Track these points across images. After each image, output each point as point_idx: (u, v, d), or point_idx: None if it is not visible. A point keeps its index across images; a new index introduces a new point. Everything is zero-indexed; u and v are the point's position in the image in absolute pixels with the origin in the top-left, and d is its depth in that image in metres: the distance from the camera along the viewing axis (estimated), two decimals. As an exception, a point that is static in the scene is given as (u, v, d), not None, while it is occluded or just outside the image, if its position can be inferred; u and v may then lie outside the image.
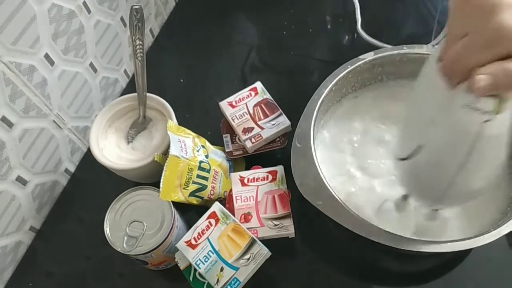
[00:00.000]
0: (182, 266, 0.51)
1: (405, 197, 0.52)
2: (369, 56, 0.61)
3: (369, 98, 0.65)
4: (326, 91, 0.59)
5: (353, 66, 0.61)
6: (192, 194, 0.56)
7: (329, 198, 0.50)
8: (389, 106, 0.63)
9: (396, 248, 0.46)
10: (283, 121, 0.61)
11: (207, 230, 0.51)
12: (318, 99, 0.59)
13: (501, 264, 0.54)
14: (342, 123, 0.63)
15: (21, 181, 0.59)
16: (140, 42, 0.60)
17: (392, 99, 0.63)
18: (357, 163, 0.60)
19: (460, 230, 0.52)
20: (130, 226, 0.51)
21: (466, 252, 0.54)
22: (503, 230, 0.46)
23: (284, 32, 0.82)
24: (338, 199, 0.50)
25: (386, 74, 0.64)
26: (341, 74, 0.60)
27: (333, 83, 0.60)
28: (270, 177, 0.57)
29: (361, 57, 0.61)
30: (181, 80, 0.78)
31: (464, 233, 0.51)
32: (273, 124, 0.61)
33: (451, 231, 0.52)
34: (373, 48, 0.64)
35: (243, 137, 0.60)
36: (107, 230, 0.52)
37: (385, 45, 0.69)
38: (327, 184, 0.52)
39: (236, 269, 0.48)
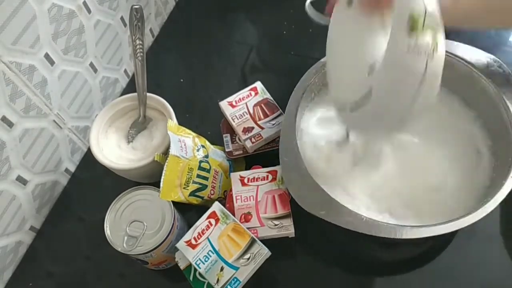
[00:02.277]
0: (182, 266, 0.51)
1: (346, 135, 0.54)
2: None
3: None
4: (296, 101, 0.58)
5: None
6: (192, 194, 0.56)
7: (327, 203, 0.49)
8: None
9: (394, 241, 0.46)
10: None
11: (207, 230, 0.51)
12: (292, 115, 0.57)
13: (484, 249, 0.55)
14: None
15: (21, 181, 0.59)
16: (140, 42, 0.60)
17: None
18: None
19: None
20: (130, 226, 0.51)
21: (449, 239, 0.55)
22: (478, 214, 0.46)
23: (284, 32, 0.82)
24: (339, 204, 0.49)
25: None
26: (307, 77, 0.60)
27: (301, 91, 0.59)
28: (270, 177, 0.57)
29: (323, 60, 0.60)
30: (181, 80, 0.78)
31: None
32: (273, 124, 0.61)
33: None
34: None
35: (243, 137, 0.60)
36: (107, 230, 0.52)
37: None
38: (326, 194, 0.50)
39: (236, 268, 0.48)
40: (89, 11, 0.65)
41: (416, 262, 0.56)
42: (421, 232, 0.46)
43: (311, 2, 0.73)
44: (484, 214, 0.46)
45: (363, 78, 0.42)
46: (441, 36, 0.36)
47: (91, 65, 0.68)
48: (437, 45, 0.36)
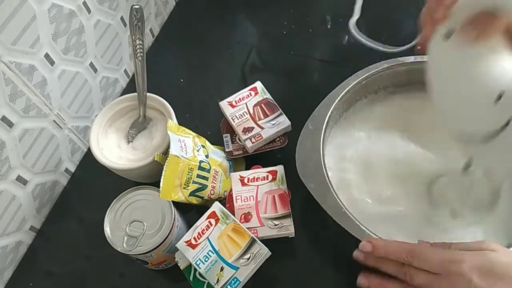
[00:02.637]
0: (182, 266, 0.51)
1: (467, 166, 0.51)
2: (409, 59, 0.60)
3: (396, 106, 0.63)
4: (355, 83, 0.59)
5: (390, 65, 0.60)
6: (192, 193, 0.56)
7: (322, 183, 0.52)
8: (416, 116, 0.61)
9: None
10: (283, 121, 0.61)
11: (207, 230, 0.51)
12: (345, 88, 0.59)
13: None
14: (360, 125, 0.63)
15: (21, 181, 0.59)
16: (140, 42, 0.60)
17: (419, 109, 0.61)
18: (364, 169, 0.59)
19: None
20: (130, 226, 0.51)
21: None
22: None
23: (284, 32, 0.82)
24: (330, 185, 0.51)
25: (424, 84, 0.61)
26: (374, 70, 0.60)
27: (364, 76, 0.60)
28: (270, 177, 0.57)
29: (400, 59, 0.61)
30: (181, 80, 0.78)
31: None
32: (273, 124, 0.61)
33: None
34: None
35: (243, 137, 0.60)
36: (107, 230, 0.52)
37: (376, 45, 0.68)
38: (324, 170, 0.52)
39: (236, 268, 0.48)
40: (89, 11, 0.65)
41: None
42: None
43: (354, 21, 0.73)
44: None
45: (494, 107, 0.40)
46: None
47: (91, 65, 0.68)
48: None
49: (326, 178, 0.52)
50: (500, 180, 0.53)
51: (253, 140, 0.60)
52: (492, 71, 0.40)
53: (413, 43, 0.64)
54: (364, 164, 0.59)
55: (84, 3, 0.63)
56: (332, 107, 0.58)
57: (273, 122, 0.61)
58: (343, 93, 0.59)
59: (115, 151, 0.62)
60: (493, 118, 0.42)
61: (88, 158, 0.68)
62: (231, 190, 0.57)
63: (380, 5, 0.80)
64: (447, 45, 0.42)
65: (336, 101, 0.58)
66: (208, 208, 0.53)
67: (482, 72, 0.40)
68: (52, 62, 0.60)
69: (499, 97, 0.40)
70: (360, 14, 0.74)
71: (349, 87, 0.59)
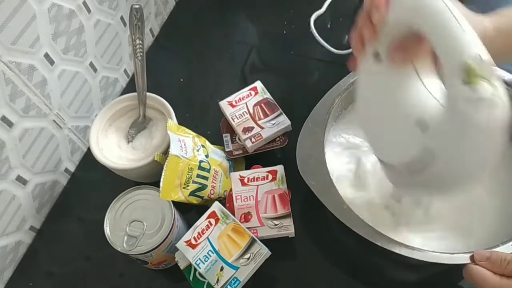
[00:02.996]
0: (182, 265, 0.51)
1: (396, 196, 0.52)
2: None
3: None
4: (354, 80, 0.59)
5: None
6: (192, 193, 0.56)
7: (323, 180, 0.52)
8: None
9: (390, 251, 0.47)
10: (283, 121, 0.61)
11: (207, 229, 0.51)
12: (344, 85, 0.59)
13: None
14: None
15: (21, 180, 0.59)
16: (140, 42, 0.60)
17: None
18: (365, 165, 0.59)
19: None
20: (130, 226, 0.51)
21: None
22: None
23: (284, 32, 0.82)
24: (331, 182, 0.52)
25: None
26: None
27: None
28: (270, 176, 0.57)
29: None
30: (181, 80, 0.78)
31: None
32: (273, 124, 0.61)
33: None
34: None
35: (243, 136, 0.60)
36: (107, 230, 0.52)
37: (331, 48, 0.71)
38: (325, 167, 0.53)
39: (236, 268, 0.48)
40: (89, 10, 0.65)
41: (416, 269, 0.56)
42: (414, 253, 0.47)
43: (314, 21, 0.75)
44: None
45: (414, 135, 0.39)
46: (500, 83, 0.33)
47: (91, 64, 0.68)
48: (499, 93, 0.32)
49: (327, 175, 0.52)
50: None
51: (253, 140, 0.60)
52: (413, 97, 0.39)
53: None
54: (364, 160, 0.59)
55: (84, 3, 0.63)
56: (331, 105, 0.58)
57: (273, 122, 0.61)
58: (342, 90, 0.59)
59: (115, 151, 0.62)
60: (411, 147, 0.39)
61: (88, 158, 0.68)
62: (231, 190, 0.57)
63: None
64: (374, 67, 0.41)
65: (336, 98, 0.58)
66: (208, 208, 0.53)
67: (403, 97, 0.39)
68: (52, 62, 0.60)
69: (421, 125, 0.38)
70: (325, 11, 0.77)
71: (348, 84, 0.59)
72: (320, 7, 0.83)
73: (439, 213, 0.53)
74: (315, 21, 0.79)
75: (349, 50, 0.64)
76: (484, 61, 0.32)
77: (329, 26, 0.82)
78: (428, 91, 0.39)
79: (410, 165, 0.41)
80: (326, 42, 0.75)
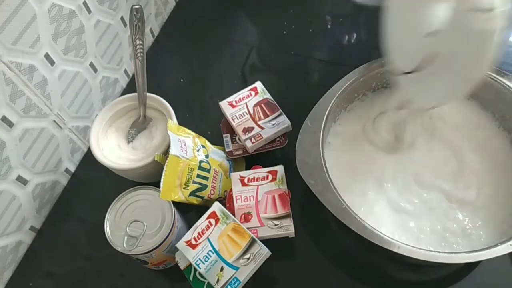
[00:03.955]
0: (182, 266, 0.51)
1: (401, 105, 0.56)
2: None
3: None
4: (353, 80, 0.60)
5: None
6: (192, 193, 0.56)
7: (322, 180, 0.52)
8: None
9: (389, 250, 0.47)
10: (283, 121, 0.61)
11: (207, 230, 0.51)
12: (343, 85, 0.59)
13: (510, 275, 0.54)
14: (359, 123, 0.63)
15: (21, 180, 0.59)
16: (140, 42, 0.60)
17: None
18: (364, 165, 0.60)
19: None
20: (130, 226, 0.51)
21: (473, 264, 0.54)
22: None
23: (284, 32, 0.82)
24: (330, 182, 0.52)
25: None
26: (372, 67, 0.61)
27: (363, 73, 0.60)
28: (270, 177, 0.57)
29: None
30: (181, 80, 0.78)
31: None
32: (273, 124, 0.61)
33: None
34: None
35: (243, 137, 0.60)
36: (107, 230, 0.52)
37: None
38: (324, 166, 0.53)
39: (236, 268, 0.48)
40: (89, 11, 0.65)
41: (417, 269, 0.56)
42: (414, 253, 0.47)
43: None
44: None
45: (425, 42, 0.44)
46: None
47: (91, 65, 0.68)
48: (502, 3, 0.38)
49: (326, 174, 0.52)
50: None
51: (253, 140, 0.60)
52: (434, 11, 0.44)
53: None
54: (365, 159, 0.59)
55: (84, 3, 0.64)
56: (330, 104, 0.58)
57: (273, 122, 0.61)
58: (341, 90, 0.59)
59: (115, 151, 0.62)
60: (421, 51, 0.46)
61: (88, 158, 0.68)
62: (231, 190, 0.57)
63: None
64: None
65: (335, 98, 0.58)
66: (208, 208, 0.53)
67: (425, 12, 0.44)
68: (52, 62, 0.60)
69: (432, 34, 0.43)
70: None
71: (347, 84, 0.60)
72: (319, 7, 0.83)
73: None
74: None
75: None
76: None
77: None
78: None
79: (417, 66, 0.47)
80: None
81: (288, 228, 0.53)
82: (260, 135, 0.60)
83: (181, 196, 0.55)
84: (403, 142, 0.59)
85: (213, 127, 0.66)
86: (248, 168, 0.59)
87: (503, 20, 0.40)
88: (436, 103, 0.54)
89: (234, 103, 0.63)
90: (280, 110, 0.62)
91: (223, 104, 0.64)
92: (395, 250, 0.47)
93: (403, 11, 0.48)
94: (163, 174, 0.53)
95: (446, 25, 0.42)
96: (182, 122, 0.61)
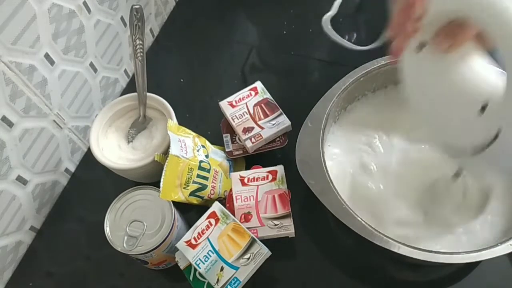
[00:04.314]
0: (182, 265, 0.51)
1: (457, 174, 0.51)
2: None
3: (394, 102, 0.63)
4: (352, 80, 0.59)
5: (388, 62, 0.60)
6: (192, 193, 0.56)
7: (322, 179, 0.52)
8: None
9: (390, 250, 0.47)
10: (283, 121, 0.61)
11: (207, 229, 0.51)
12: (343, 85, 0.59)
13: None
14: (359, 123, 0.63)
15: (21, 180, 0.59)
16: (140, 42, 0.60)
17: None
18: (364, 165, 0.60)
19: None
20: (130, 226, 0.51)
21: (473, 264, 0.54)
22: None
23: (284, 32, 0.82)
24: (330, 181, 0.52)
25: None
26: (372, 67, 0.60)
27: (362, 73, 0.60)
28: (270, 176, 0.57)
29: None
30: (181, 80, 0.78)
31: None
32: (273, 124, 0.61)
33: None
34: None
35: (243, 136, 0.60)
36: (107, 230, 0.52)
37: (349, 44, 0.68)
38: (324, 166, 0.53)
39: (236, 268, 0.48)
40: (89, 11, 0.65)
41: (416, 268, 0.56)
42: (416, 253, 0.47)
43: (330, 19, 0.72)
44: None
45: (480, 118, 0.39)
46: None
47: (91, 65, 0.68)
48: None
49: (326, 174, 0.52)
50: (490, 185, 0.54)
51: (253, 140, 0.60)
52: (469, 78, 0.40)
53: (378, 43, 0.62)
54: (364, 160, 0.59)
55: (84, 3, 0.63)
56: (330, 104, 0.58)
57: (273, 122, 0.61)
58: (341, 90, 0.59)
59: (115, 151, 0.62)
60: (480, 130, 0.40)
61: (88, 158, 0.68)
62: (231, 190, 0.57)
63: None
64: (420, 58, 0.41)
65: (335, 98, 0.59)
66: (208, 208, 0.53)
67: (459, 81, 0.40)
68: (52, 62, 0.60)
69: (483, 107, 0.38)
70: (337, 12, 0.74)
71: (347, 84, 0.60)
72: (319, 7, 0.83)
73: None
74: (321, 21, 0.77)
75: (371, 46, 0.65)
76: None
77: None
78: (482, 73, 0.39)
79: (477, 146, 0.41)
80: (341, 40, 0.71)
81: (288, 228, 0.53)
82: (260, 135, 0.60)
83: (181, 196, 0.55)
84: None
85: (213, 127, 0.66)
86: (248, 168, 0.59)
87: None
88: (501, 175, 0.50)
89: (234, 103, 0.63)
90: (280, 110, 0.62)
91: (223, 104, 0.64)
92: (395, 250, 0.47)
93: (432, 85, 0.42)
94: (163, 174, 0.53)
95: (500, 94, 0.36)
96: (182, 122, 0.61)
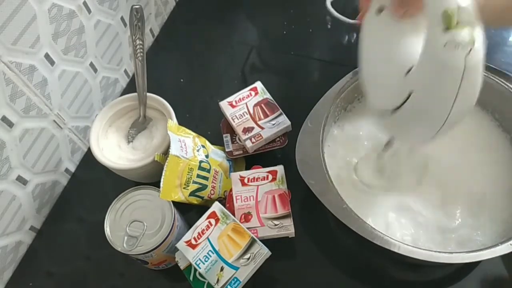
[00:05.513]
0: (182, 266, 0.51)
1: (388, 144, 0.53)
2: None
3: None
4: (352, 80, 0.59)
5: None
6: (192, 193, 0.56)
7: (322, 179, 0.52)
8: None
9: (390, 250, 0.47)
10: (283, 121, 0.61)
11: (207, 230, 0.51)
12: (343, 85, 0.59)
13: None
14: (359, 123, 0.63)
15: (21, 181, 0.59)
16: (140, 42, 0.60)
17: None
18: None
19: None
20: (130, 226, 0.51)
21: (473, 265, 0.54)
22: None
23: (284, 32, 0.82)
24: (330, 181, 0.52)
25: None
26: None
27: None
28: (270, 177, 0.57)
29: None
30: (181, 80, 0.78)
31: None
32: (273, 124, 0.61)
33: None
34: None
35: (243, 137, 0.60)
36: (107, 230, 0.52)
37: (349, 20, 0.71)
38: (324, 166, 0.53)
39: (236, 268, 0.48)
40: (89, 11, 0.65)
41: (417, 269, 0.56)
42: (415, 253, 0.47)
43: (331, 2, 0.77)
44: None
45: (402, 83, 0.42)
46: (478, 31, 0.36)
47: (91, 65, 0.68)
48: (474, 40, 0.35)
49: (326, 174, 0.52)
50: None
51: (253, 140, 0.60)
52: (408, 47, 0.42)
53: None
54: (364, 160, 0.60)
55: (84, 3, 0.64)
56: (331, 104, 0.58)
57: (273, 122, 0.61)
58: (341, 90, 0.59)
59: (115, 151, 0.62)
60: (399, 92, 0.43)
61: (88, 158, 0.68)
62: (231, 190, 0.57)
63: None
64: (377, 20, 0.44)
65: (335, 98, 0.59)
66: (208, 208, 0.53)
67: (399, 48, 0.42)
68: (52, 62, 0.60)
69: (408, 71, 0.41)
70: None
71: (347, 84, 0.60)
72: (319, 7, 0.83)
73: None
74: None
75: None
76: (463, 8, 0.35)
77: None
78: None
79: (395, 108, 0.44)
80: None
81: (288, 228, 0.53)
82: (260, 135, 0.60)
83: (181, 196, 0.55)
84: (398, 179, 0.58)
85: (213, 127, 0.66)
86: (248, 168, 0.59)
87: (480, 53, 0.36)
88: (421, 141, 0.51)
89: (234, 103, 0.63)
90: (280, 110, 0.62)
91: (223, 104, 0.64)
92: (395, 250, 0.47)
93: (377, 46, 0.46)
94: (163, 174, 0.53)
95: (422, 61, 0.39)
96: (182, 122, 0.61)
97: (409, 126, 0.45)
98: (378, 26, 0.45)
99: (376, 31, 0.45)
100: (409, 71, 0.41)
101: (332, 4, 0.80)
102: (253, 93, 0.64)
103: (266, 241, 0.50)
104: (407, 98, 0.41)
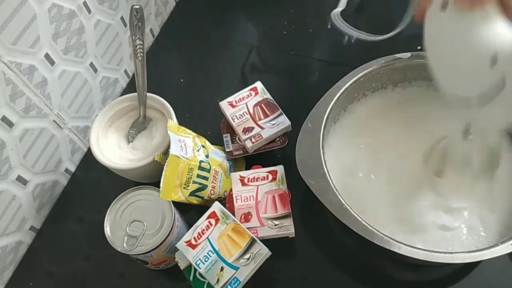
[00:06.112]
0: (182, 266, 0.51)
1: (466, 132, 0.52)
2: (406, 55, 0.60)
3: (395, 102, 0.64)
4: (353, 80, 0.59)
5: (387, 62, 0.60)
6: (192, 193, 0.56)
7: (322, 180, 0.52)
8: (415, 110, 0.62)
9: (390, 250, 0.47)
10: (283, 121, 0.61)
11: (207, 230, 0.51)
12: (343, 86, 0.59)
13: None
14: (359, 123, 0.63)
15: (21, 180, 0.59)
16: (140, 42, 0.60)
17: (411, 106, 0.62)
18: (364, 165, 0.60)
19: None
20: (130, 226, 0.51)
21: (474, 264, 0.54)
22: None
23: (284, 32, 0.82)
24: (330, 181, 0.52)
25: (420, 79, 0.62)
26: (372, 67, 0.60)
27: (362, 73, 0.60)
28: (270, 177, 0.57)
29: (397, 55, 0.61)
30: (181, 80, 0.78)
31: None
32: (273, 124, 0.61)
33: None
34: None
35: (243, 137, 0.60)
36: (107, 230, 0.52)
37: (358, 34, 0.69)
38: (324, 166, 0.53)
39: (236, 268, 0.48)
40: (89, 11, 0.65)
41: (417, 269, 0.56)
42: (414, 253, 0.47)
43: (339, 12, 0.75)
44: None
45: (487, 70, 0.42)
46: None
47: (91, 65, 0.68)
48: None
49: (326, 174, 0.52)
50: (497, 143, 0.54)
51: (253, 140, 0.60)
52: (485, 36, 0.42)
53: (394, 32, 0.65)
54: (365, 160, 0.60)
55: (84, 3, 0.64)
56: (331, 104, 0.58)
57: (273, 122, 0.61)
58: (341, 90, 0.59)
59: (115, 151, 0.62)
60: (487, 79, 0.42)
61: (88, 158, 0.68)
62: (231, 190, 0.57)
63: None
64: (443, 15, 0.44)
65: (335, 98, 0.58)
66: (208, 208, 0.53)
67: (476, 37, 0.42)
68: (52, 62, 0.60)
69: (493, 59, 0.41)
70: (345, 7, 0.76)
71: (347, 84, 0.59)
72: (319, 7, 0.83)
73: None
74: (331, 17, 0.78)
75: (387, 35, 0.67)
76: None
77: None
78: (497, 31, 0.41)
79: (482, 97, 0.43)
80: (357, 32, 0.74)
81: (288, 228, 0.53)
82: (260, 135, 0.60)
83: (181, 196, 0.55)
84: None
85: (213, 127, 0.66)
86: (248, 168, 0.59)
87: None
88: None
89: (234, 103, 0.63)
90: (280, 110, 0.62)
91: (223, 104, 0.64)
92: (395, 250, 0.47)
93: (452, 41, 0.45)
94: (163, 174, 0.53)
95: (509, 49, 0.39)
96: (182, 122, 0.61)
97: (502, 113, 0.44)
98: (447, 21, 0.44)
99: (446, 27, 0.45)
100: (493, 57, 0.41)
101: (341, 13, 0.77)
102: (253, 93, 0.64)
103: (266, 241, 0.50)
104: (497, 84, 0.41)
